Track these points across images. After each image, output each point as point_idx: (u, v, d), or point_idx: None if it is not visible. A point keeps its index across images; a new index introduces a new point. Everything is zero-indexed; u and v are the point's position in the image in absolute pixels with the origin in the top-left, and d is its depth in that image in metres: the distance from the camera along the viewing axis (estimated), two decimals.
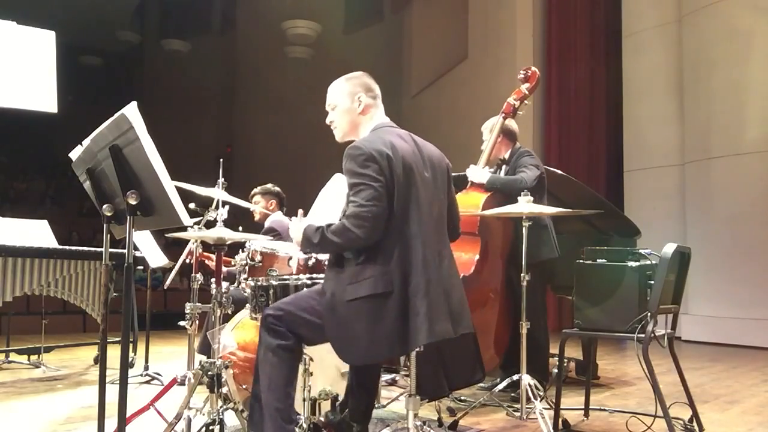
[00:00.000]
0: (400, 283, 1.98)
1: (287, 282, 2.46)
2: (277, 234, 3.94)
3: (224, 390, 2.44)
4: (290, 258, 2.92)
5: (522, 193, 2.99)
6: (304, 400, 2.32)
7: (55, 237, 4.53)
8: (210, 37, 17.55)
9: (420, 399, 2.18)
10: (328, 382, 2.63)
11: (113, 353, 3.32)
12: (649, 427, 2.85)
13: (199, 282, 2.70)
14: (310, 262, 2.86)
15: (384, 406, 3.19)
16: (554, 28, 9.50)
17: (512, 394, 3.46)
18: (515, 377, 3.07)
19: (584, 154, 9.35)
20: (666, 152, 8.05)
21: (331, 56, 14.17)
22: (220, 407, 2.42)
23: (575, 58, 9.44)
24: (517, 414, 3.01)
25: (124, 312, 1.88)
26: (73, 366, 5.06)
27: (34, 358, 5.05)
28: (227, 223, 2.63)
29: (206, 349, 3.00)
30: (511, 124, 3.85)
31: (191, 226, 2.36)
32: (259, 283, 2.52)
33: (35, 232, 4.40)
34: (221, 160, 3.00)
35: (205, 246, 2.95)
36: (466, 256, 3.36)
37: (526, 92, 3.86)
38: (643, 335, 2.59)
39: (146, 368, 4.30)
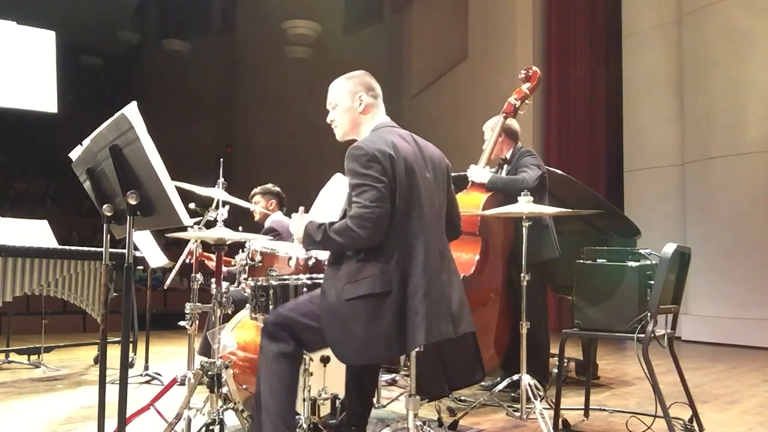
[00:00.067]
0: (399, 283, 1.97)
1: (287, 282, 2.46)
2: (277, 234, 3.94)
3: (224, 390, 2.44)
4: (290, 258, 2.92)
5: (522, 193, 2.99)
6: (304, 400, 2.32)
7: (55, 237, 4.53)
8: (210, 37, 17.55)
9: (420, 399, 2.18)
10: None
11: (113, 353, 3.32)
12: (649, 427, 2.85)
13: (199, 282, 2.70)
14: (310, 262, 2.86)
15: (384, 406, 3.19)
16: (554, 28, 9.50)
17: (512, 394, 3.46)
18: (515, 377, 3.07)
19: (584, 154, 9.35)
20: (666, 152, 8.05)
21: (331, 56, 14.17)
22: (220, 407, 2.42)
23: (575, 58, 9.44)
24: (517, 414, 3.01)
25: (124, 312, 1.88)
26: (73, 366, 5.06)
27: (34, 358, 5.05)
28: (227, 223, 2.63)
29: (206, 349, 3.00)
30: (513, 123, 3.85)
31: (191, 226, 2.36)
32: (259, 283, 2.51)
33: (35, 232, 4.40)
34: (221, 160, 3.00)
35: (205, 246, 2.95)
36: (466, 256, 3.36)
37: (527, 92, 3.86)
38: (643, 335, 2.59)
39: (146, 368, 4.30)
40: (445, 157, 2.29)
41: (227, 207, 2.74)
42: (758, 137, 6.97)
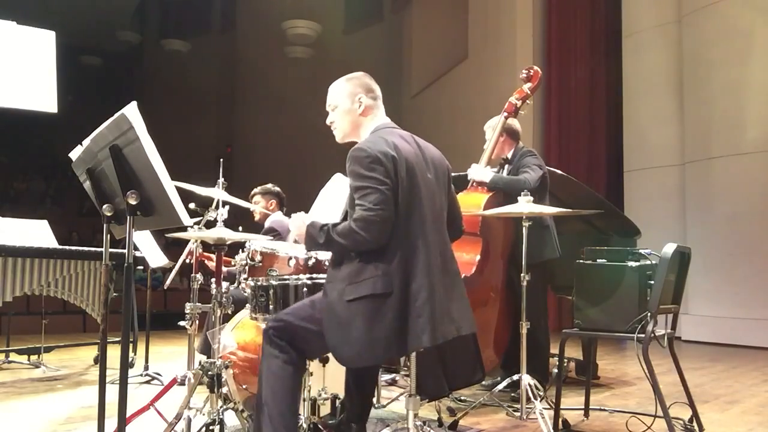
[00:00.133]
0: (401, 284, 1.97)
1: (287, 282, 2.45)
2: (277, 234, 3.94)
3: (224, 390, 2.44)
4: (290, 258, 2.92)
5: (522, 193, 2.99)
6: (304, 400, 2.32)
7: (55, 237, 4.53)
8: (210, 37, 17.56)
9: (420, 399, 2.18)
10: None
11: (113, 353, 3.32)
12: (649, 427, 2.85)
13: (199, 282, 2.70)
14: (310, 262, 2.86)
15: (384, 406, 3.19)
16: (554, 28, 9.50)
17: (512, 394, 3.46)
18: (515, 377, 3.07)
19: (584, 154, 9.36)
20: (666, 152, 8.05)
21: (331, 56, 14.19)
22: (220, 407, 2.42)
23: (575, 58, 9.44)
24: (517, 414, 3.01)
25: (124, 312, 1.88)
26: (73, 366, 5.06)
27: (34, 358, 5.05)
28: (227, 223, 2.63)
29: (206, 348, 3.00)
30: (514, 123, 3.85)
31: (191, 226, 2.36)
32: (259, 283, 2.51)
33: (35, 232, 4.40)
34: (221, 160, 3.00)
35: (205, 246, 2.95)
36: (467, 257, 3.36)
37: (528, 92, 3.86)
38: (643, 335, 2.59)
39: (146, 368, 4.30)
40: (445, 158, 2.29)
41: (227, 207, 2.74)
42: (758, 137, 6.97)
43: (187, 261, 3.38)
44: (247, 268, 3.00)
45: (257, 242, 2.99)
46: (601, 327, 2.78)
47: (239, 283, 3.04)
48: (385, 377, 3.68)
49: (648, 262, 2.74)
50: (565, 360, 3.93)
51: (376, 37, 15.01)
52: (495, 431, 2.99)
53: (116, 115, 1.72)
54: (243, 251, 3.04)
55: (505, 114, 3.80)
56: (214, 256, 2.74)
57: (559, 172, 4.22)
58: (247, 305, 2.74)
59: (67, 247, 4.29)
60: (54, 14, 12.66)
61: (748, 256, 6.90)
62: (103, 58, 19.01)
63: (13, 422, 3.18)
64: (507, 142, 3.84)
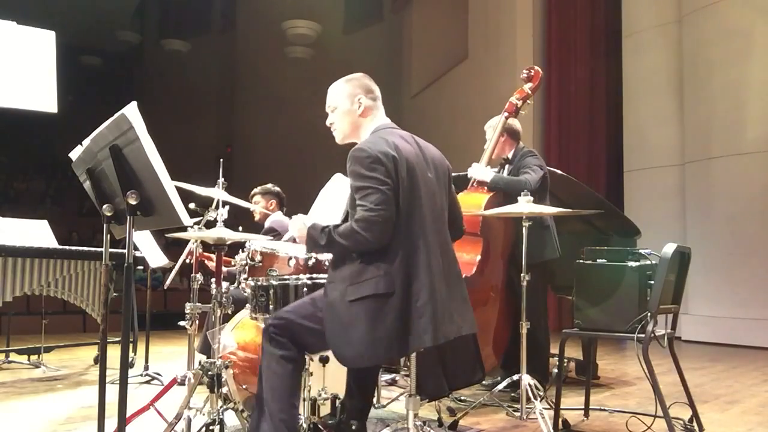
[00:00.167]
0: (403, 284, 1.97)
1: (287, 282, 2.46)
2: (277, 234, 3.94)
3: (224, 390, 2.44)
4: (290, 258, 2.92)
5: (522, 193, 2.99)
6: (304, 400, 2.32)
7: (55, 237, 4.53)
8: (210, 37, 17.56)
9: (420, 399, 2.18)
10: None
11: (113, 353, 3.31)
12: (649, 427, 2.85)
13: (199, 282, 2.70)
14: (310, 262, 2.86)
15: (384, 406, 3.19)
16: (554, 28, 9.50)
17: (512, 394, 3.46)
18: (515, 377, 3.07)
19: (584, 154, 9.35)
20: (666, 152, 8.05)
21: (331, 56, 14.18)
22: (220, 407, 2.42)
23: (575, 58, 9.44)
24: (517, 414, 3.01)
25: (124, 312, 1.88)
26: (73, 366, 5.06)
27: (34, 358, 5.05)
28: (227, 223, 2.63)
29: (206, 348, 3.00)
30: (515, 123, 3.85)
31: (191, 226, 2.36)
32: (259, 283, 2.51)
33: (35, 232, 4.40)
34: (221, 160, 3.00)
35: (205, 246, 2.95)
36: (467, 257, 3.36)
37: (529, 92, 3.85)
38: (643, 335, 2.59)
39: (146, 368, 4.30)
40: (445, 158, 2.30)
41: (227, 207, 2.74)
42: (758, 137, 6.97)
43: (187, 261, 3.38)
44: (247, 268, 3.00)
45: (257, 242, 2.99)
46: (601, 327, 2.78)
47: (239, 283, 3.04)
48: (385, 377, 3.68)
49: (648, 262, 2.74)
50: (565, 360, 3.93)
51: (376, 37, 15.01)
52: (495, 431, 2.99)
53: (116, 115, 1.72)
54: (243, 251, 3.05)
55: (506, 114, 3.80)
56: (214, 256, 2.74)
57: (559, 172, 4.22)
58: (247, 305, 2.74)
59: (67, 247, 4.29)
60: (54, 14, 12.66)
61: (748, 256, 6.90)
62: (103, 58, 19.01)
63: (13, 422, 3.18)
64: (508, 142, 3.84)
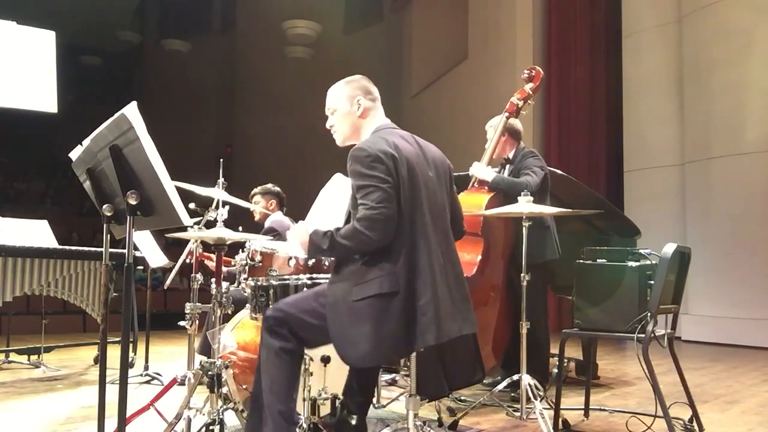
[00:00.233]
0: (406, 283, 1.97)
1: (287, 282, 2.46)
2: (277, 234, 3.94)
3: (224, 390, 2.44)
4: (290, 258, 2.92)
5: (522, 193, 2.99)
6: (304, 400, 2.32)
7: (55, 237, 4.53)
8: (210, 37, 17.56)
9: (420, 399, 2.18)
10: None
11: (113, 353, 3.32)
12: (649, 427, 2.85)
13: (199, 282, 2.70)
14: (310, 262, 2.86)
15: (384, 406, 3.19)
16: (554, 28, 9.50)
17: (512, 394, 3.46)
18: (515, 377, 3.07)
19: (584, 154, 9.35)
20: (666, 152, 8.05)
21: (331, 56, 14.19)
22: (220, 407, 2.42)
23: (575, 58, 9.44)
24: (517, 414, 3.01)
25: (124, 312, 1.88)
26: (73, 366, 5.06)
27: (34, 358, 5.05)
28: (227, 223, 2.63)
29: (206, 349, 3.00)
30: (516, 123, 3.85)
31: (191, 226, 2.36)
32: (259, 283, 2.51)
33: (35, 232, 4.40)
34: (221, 160, 3.00)
35: (205, 246, 2.95)
36: (468, 257, 3.36)
37: (530, 92, 3.85)
38: (643, 335, 2.59)
39: (146, 368, 4.30)
40: (446, 158, 2.30)
41: (227, 207, 2.74)
42: (758, 137, 6.97)
43: (187, 261, 3.38)
44: (247, 268, 3.00)
45: (257, 242, 2.99)
46: (601, 327, 2.78)
47: (239, 283, 3.04)
48: (385, 377, 3.68)
49: (648, 262, 2.74)
50: (565, 360, 3.93)
51: (376, 37, 15.01)
52: (495, 431, 2.99)
53: (116, 115, 1.72)
54: (243, 251, 3.05)
55: (507, 114, 3.80)
56: (214, 256, 2.74)
57: (559, 172, 4.22)
58: (247, 305, 2.74)
59: (67, 247, 4.29)
60: (54, 14, 12.66)
61: (748, 256, 6.90)
62: (103, 58, 19.02)
63: (13, 422, 3.18)
64: (508, 142, 3.84)
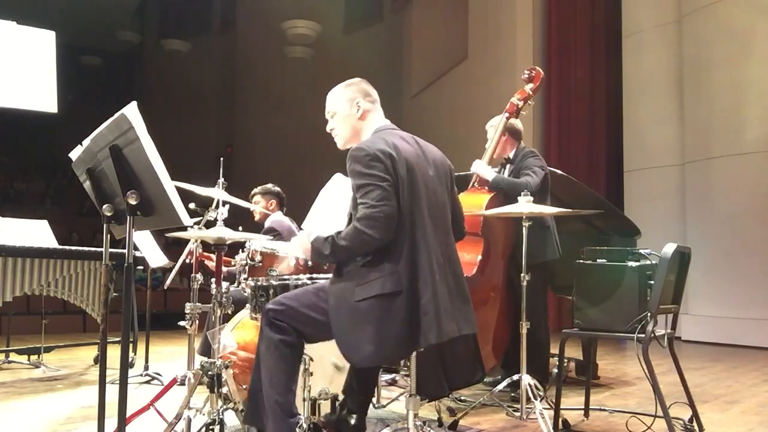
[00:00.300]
0: (408, 283, 1.97)
1: (287, 282, 2.46)
2: (277, 234, 3.94)
3: (224, 390, 2.44)
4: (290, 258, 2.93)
5: (522, 192, 2.99)
6: (304, 400, 2.32)
7: (55, 237, 4.53)
8: (210, 37, 17.57)
9: (420, 399, 2.18)
10: (326, 381, 2.63)
11: (113, 353, 3.32)
12: (649, 427, 2.85)
13: (199, 282, 2.70)
14: (310, 263, 2.86)
15: (384, 406, 3.19)
16: (554, 28, 9.50)
17: (512, 394, 3.46)
18: (515, 377, 3.07)
19: (584, 154, 9.35)
20: (666, 152, 8.05)
21: (331, 56, 14.19)
22: (220, 407, 2.42)
23: (575, 58, 9.44)
24: (517, 414, 3.01)
25: (124, 312, 1.88)
26: (73, 366, 5.06)
27: (34, 358, 5.05)
28: (227, 223, 2.63)
29: (206, 350, 3.00)
30: (516, 123, 3.85)
31: (191, 226, 2.36)
32: (259, 283, 2.51)
33: (35, 232, 4.40)
34: (221, 160, 3.00)
35: (205, 246, 2.94)
36: (468, 257, 3.36)
37: (530, 92, 3.85)
38: (643, 335, 2.59)
39: (146, 368, 4.30)
40: (447, 159, 2.30)
41: (227, 207, 2.74)
42: (758, 137, 6.97)
43: (187, 261, 3.38)
44: (247, 268, 3.00)
45: (257, 242, 2.99)
46: (601, 327, 2.78)
47: (239, 283, 3.04)
48: (385, 377, 3.68)
49: (648, 262, 2.74)
50: (565, 360, 3.93)
51: (376, 37, 15.01)
52: (495, 431, 2.99)
53: (116, 115, 1.72)
54: (243, 251, 3.05)
55: (507, 114, 3.80)
56: (214, 256, 2.74)
57: (559, 172, 4.22)
58: (247, 305, 2.74)
59: (67, 247, 4.29)
60: (54, 14, 12.66)
61: (748, 256, 6.90)
62: (103, 58, 19.02)
63: (13, 422, 3.18)
64: (509, 142, 3.84)
